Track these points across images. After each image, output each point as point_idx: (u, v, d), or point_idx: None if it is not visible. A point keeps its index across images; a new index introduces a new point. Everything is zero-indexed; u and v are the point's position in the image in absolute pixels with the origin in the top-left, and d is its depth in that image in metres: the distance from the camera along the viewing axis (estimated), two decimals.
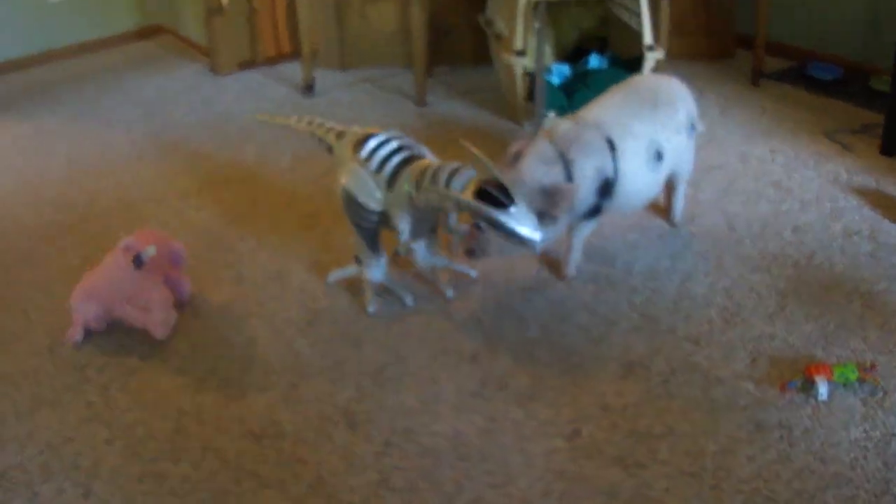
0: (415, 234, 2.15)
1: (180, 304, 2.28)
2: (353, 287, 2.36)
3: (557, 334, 2.16)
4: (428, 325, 2.21)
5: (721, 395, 1.95)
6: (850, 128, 3.26)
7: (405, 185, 2.04)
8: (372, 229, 2.17)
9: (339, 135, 2.21)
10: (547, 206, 2.08)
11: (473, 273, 2.39)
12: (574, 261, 2.38)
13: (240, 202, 2.85)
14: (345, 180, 2.13)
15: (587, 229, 2.34)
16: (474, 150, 1.98)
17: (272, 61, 4.20)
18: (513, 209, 1.93)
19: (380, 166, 2.09)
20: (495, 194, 1.92)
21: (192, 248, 2.52)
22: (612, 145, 2.22)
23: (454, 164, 2.01)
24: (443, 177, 1.98)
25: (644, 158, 2.29)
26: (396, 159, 2.09)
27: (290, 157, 3.15)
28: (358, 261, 2.28)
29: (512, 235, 1.97)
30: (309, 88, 3.75)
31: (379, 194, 2.09)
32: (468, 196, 1.93)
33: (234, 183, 2.98)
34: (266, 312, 2.28)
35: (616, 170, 2.23)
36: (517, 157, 2.14)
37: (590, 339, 2.15)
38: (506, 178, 2.06)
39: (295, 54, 4.10)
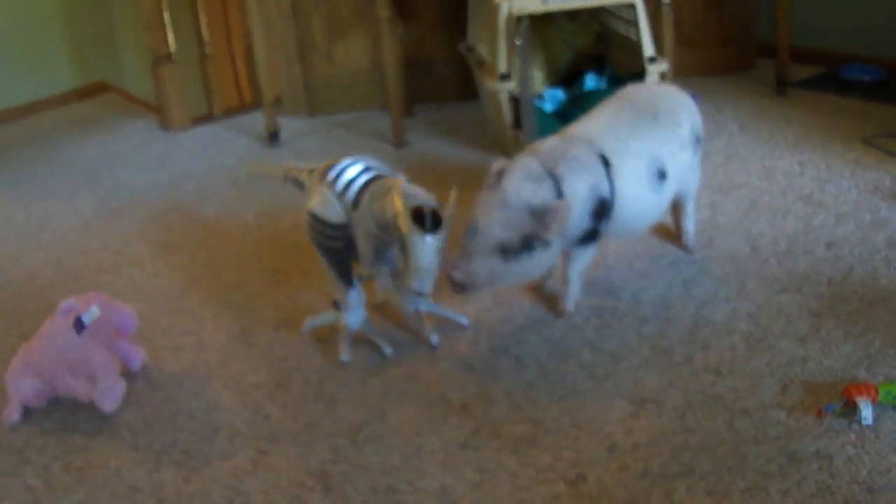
0: (378, 259, 2.35)
1: (131, 375, 2.42)
2: (326, 344, 2.50)
3: (557, 375, 2.29)
4: (411, 377, 2.34)
5: (747, 427, 2.05)
6: (893, 131, 3.42)
7: (369, 202, 2.25)
8: (339, 252, 2.36)
9: (311, 170, 2.47)
10: (537, 229, 2.22)
11: (464, 320, 2.53)
12: (572, 295, 2.52)
13: (199, 265, 3.02)
14: (310, 202, 2.35)
15: (584, 258, 2.48)
16: (452, 198, 2.23)
17: (231, 113, 4.44)
18: (427, 237, 2.13)
19: (345, 188, 2.31)
20: (427, 221, 2.13)
21: (147, 316, 2.68)
22: (605, 162, 2.38)
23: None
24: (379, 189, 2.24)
25: (645, 177, 2.44)
26: (362, 179, 2.30)
27: (254, 214, 3.34)
28: (336, 306, 2.43)
29: (408, 258, 2.16)
30: (273, 137, 3.98)
31: (343, 213, 2.31)
32: (398, 204, 2.14)
33: (192, 245, 3.16)
34: (230, 376, 2.42)
35: (612, 189, 2.38)
36: (500, 175, 2.30)
37: (594, 376, 2.27)
38: (482, 200, 2.23)
39: (257, 104, 4.35)
